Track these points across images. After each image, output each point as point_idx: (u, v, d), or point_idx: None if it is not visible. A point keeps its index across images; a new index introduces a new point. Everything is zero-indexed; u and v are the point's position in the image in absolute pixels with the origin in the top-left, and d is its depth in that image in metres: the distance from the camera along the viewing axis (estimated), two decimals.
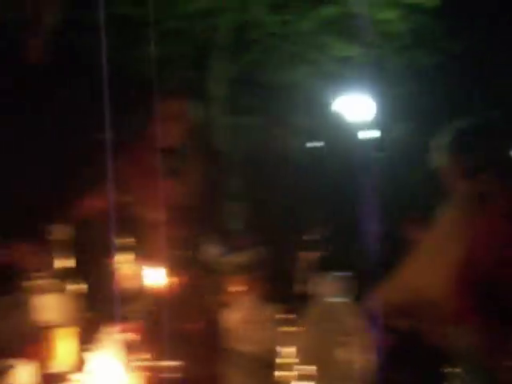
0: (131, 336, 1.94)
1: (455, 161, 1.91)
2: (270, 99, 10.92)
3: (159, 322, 1.10)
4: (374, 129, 10.42)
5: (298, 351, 1.05)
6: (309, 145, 10.65)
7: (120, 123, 3.69)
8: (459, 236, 2.19)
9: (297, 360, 1.09)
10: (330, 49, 10.62)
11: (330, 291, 0.98)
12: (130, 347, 1.82)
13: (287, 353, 1.22)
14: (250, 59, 11.40)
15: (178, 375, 0.98)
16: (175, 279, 1.15)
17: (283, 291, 2.47)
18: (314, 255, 1.85)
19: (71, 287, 1.60)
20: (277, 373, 1.61)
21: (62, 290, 1.59)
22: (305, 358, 1.02)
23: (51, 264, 1.57)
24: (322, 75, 11.17)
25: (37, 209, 2.73)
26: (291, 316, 1.50)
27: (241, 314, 2.23)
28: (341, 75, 11.02)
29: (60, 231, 1.60)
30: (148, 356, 1.15)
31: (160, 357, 1.03)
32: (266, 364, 1.70)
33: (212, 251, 2.02)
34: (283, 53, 11.14)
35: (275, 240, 3.36)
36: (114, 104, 3.78)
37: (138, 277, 2.33)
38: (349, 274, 1.21)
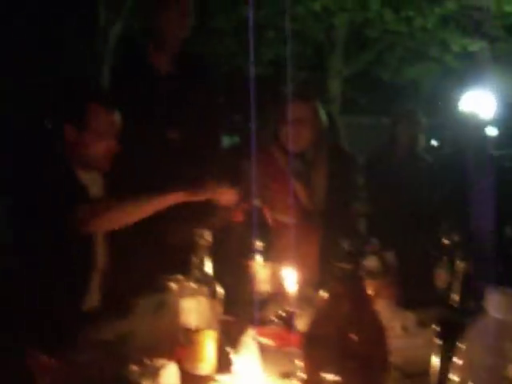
0: (272, 341, 1.94)
1: None
2: (390, 98, 10.78)
3: (313, 331, 1.11)
4: (493, 126, 10.06)
5: (458, 366, 1.02)
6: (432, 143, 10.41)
7: (249, 127, 3.74)
8: None
9: (454, 375, 1.07)
10: (451, 44, 10.30)
11: (503, 307, 0.93)
12: (271, 352, 1.83)
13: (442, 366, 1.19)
14: (368, 58, 11.29)
15: None
16: (325, 286, 1.15)
17: (419, 297, 2.40)
18: (461, 262, 1.79)
19: (214, 290, 1.64)
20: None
21: (204, 293, 1.63)
22: (469, 375, 0.99)
23: (197, 267, 1.62)
24: (444, 71, 10.88)
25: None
26: (435, 326, 1.46)
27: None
28: (463, 71, 10.69)
29: (202, 235, 1.65)
30: (300, 364, 1.15)
31: (312, 366, 1.04)
32: (405, 374, 1.66)
33: (345, 256, 1.99)
34: (403, 50, 10.95)
35: (406, 243, 3.29)
36: (241, 107, 3.85)
37: (273, 280, 2.34)
38: None
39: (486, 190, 3.90)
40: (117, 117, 2.54)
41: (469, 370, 0.95)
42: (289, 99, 3.07)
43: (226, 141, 3.98)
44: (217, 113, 3.34)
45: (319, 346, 1.03)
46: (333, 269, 1.10)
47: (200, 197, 2.41)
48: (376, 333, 1.03)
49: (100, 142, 2.46)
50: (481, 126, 4.23)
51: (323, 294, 1.09)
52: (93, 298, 2.40)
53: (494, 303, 0.97)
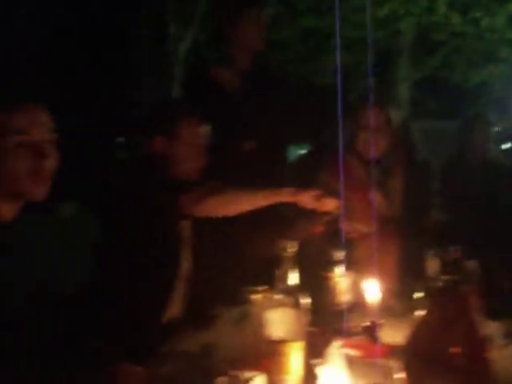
0: (358, 352, 1.92)
1: None
2: (459, 101, 10.58)
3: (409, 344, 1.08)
4: None
5: None
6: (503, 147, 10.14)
7: (321, 137, 3.73)
8: None
9: None
10: None
11: None
12: (358, 364, 1.80)
13: None
14: (435, 62, 11.11)
15: None
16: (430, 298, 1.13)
17: (506, 307, 2.32)
18: None
19: (297, 301, 1.64)
20: None
21: (289, 305, 1.62)
22: None
23: (281, 279, 1.62)
24: None
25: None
26: None
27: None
28: None
29: (286, 247, 1.65)
30: (397, 377, 1.13)
31: (414, 379, 1.01)
32: None
33: (434, 265, 1.96)
34: (471, 52, 10.73)
35: (490, 251, 3.20)
36: (312, 118, 3.84)
37: (354, 291, 2.31)
38: None
39: None
40: (206, 129, 2.57)
41: None
42: (364, 107, 3.06)
43: (293, 151, 3.98)
44: (287, 124, 3.34)
45: (421, 359, 1.01)
46: (433, 280, 1.07)
47: (304, 199, 2.37)
48: (477, 345, 1.00)
49: (189, 153, 2.49)
50: None
51: (423, 306, 1.06)
52: (176, 308, 2.41)
53: None
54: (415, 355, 1.03)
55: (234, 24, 3.17)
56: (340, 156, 2.83)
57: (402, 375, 1.03)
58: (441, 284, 1.00)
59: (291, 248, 1.69)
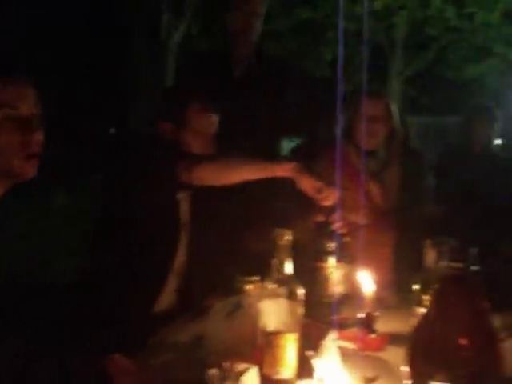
0: (352, 344, 1.88)
1: None
2: (453, 97, 10.57)
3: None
4: None
5: None
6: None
7: (316, 128, 3.69)
8: None
9: None
10: None
11: None
12: (353, 356, 1.77)
13: None
14: (429, 56, 11.09)
15: None
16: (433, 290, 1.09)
17: (505, 300, 2.30)
18: None
19: (292, 292, 1.59)
20: None
21: (283, 295, 1.58)
22: None
23: (276, 268, 1.58)
24: (509, 67, 10.61)
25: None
26: None
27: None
28: None
29: (282, 235, 1.61)
30: (404, 371, 1.09)
31: (419, 373, 0.97)
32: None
33: (432, 255, 1.92)
34: (466, 47, 10.71)
35: (487, 243, 3.17)
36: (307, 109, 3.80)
37: (347, 282, 2.28)
38: None
39: None
40: (216, 118, 2.53)
41: None
42: (363, 96, 3.02)
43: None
44: (284, 118, 3.31)
45: (427, 352, 0.97)
46: (439, 269, 1.04)
47: (306, 183, 2.31)
48: (487, 337, 0.96)
49: (197, 141, 2.45)
50: None
51: (429, 295, 1.02)
52: (168, 300, 2.38)
53: None
54: (419, 347, 0.98)
55: (225, 13, 3.16)
56: (337, 146, 2.80)
57: (403, 368, 0.99)
58: (448, 272, 0.96)
59: (287, 236, 1.64)
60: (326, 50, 10.36)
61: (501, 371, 0.96)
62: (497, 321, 2.05)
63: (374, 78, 11.57)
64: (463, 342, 0.93)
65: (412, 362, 0.99)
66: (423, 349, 0.98)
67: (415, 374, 0.99)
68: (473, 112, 4.24)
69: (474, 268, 2.47)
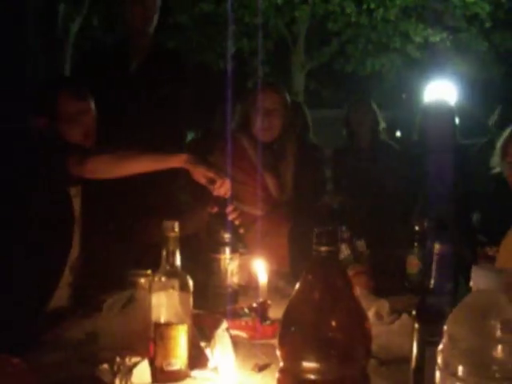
0: (245, 333, 1.91)
1: None
2: (354, 90, 10.84)
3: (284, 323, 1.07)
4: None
5: (439, 350, 0.99)
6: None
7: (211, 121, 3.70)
8: None
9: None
10: (413, 36, 10.41)
11: (486, 284, 0.90)
12: (245, 345, 1.79)
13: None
14: (330, 51, 11.33)
15: (315, 377, 0.95)
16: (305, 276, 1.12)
17: (391, 285, 2.39)
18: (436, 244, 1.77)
19: (184, 283, 1.60)
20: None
21: (175, 287, 1.58)
22: (451, 358, 0.95)
23: (166, 260, 1.58)
24: (406, 62, 11.00)
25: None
26: (412, 312, 1.45)
27: None
28: (425, 62, 10.82)
29: (175, 225, 1.61)
30: (277, 354, 1.11)
31: (290, 355, 1.00)
32: (381, 362, 1.63)
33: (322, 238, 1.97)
34: (365, 42, 11.01)
35: (377, 231, 3.29)
36: (206, 101, 3.80)
37: (243, 273, 2.31)
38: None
39: (451, 178, 3.90)
40: (88, 105, 2.49)
41: (451, 353, 0.93)
42: (260, 89, 3.05)
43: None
44: (185, 109, 3.31)
45: (296, 334, 1.00)
46: (309, 253, 1.07)
47: (198, 172, 2.31)
48: (356, 318, 1.00)
49: (74, 132, 2.41)
50: (450, 114, 4.20)
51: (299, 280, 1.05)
52: (62, 296, 2.33)
53: (479, 280, 0.95)
54: (290, 329, 1.01)
55: (121, 4, 3.16)
56: (230, 138, 2.82)
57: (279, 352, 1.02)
58: (314, 255, 1.00)
59: (175, 228, 1.64)
60: (229, 42, 10.40)
61: (369, 351, 1.01)
62: (384, 304, 2.14)
63: (277, 72, 11.73)
64: (331, 322, 0.96)
65: (283, 343, 1.02)
66: (293, 330, 1.01)
67: (286, 356, 1.02)
68: (350, 106, 4.33)
69: (363, 253, 2.57)
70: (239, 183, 2.83)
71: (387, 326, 2.00)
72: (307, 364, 0.97)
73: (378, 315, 2.10)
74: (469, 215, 4.25)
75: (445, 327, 0.96)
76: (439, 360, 0.95)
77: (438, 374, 0.98)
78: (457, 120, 4.29)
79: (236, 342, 1.71)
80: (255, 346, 1.80)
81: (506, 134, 2.72)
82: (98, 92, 2.58)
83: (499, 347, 0.88)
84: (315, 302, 0.98)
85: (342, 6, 10.08)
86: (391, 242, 3.04)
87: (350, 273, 2.39)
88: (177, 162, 2.32)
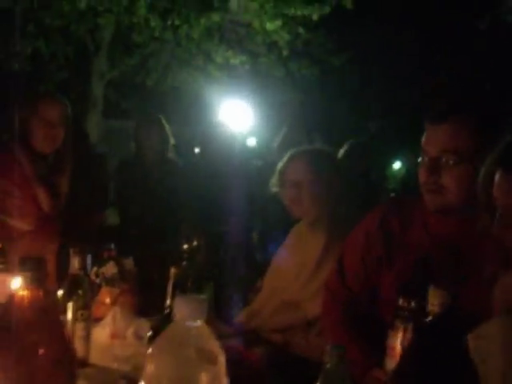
0: None
1: None
2: (155, 103, 10.86)
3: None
4: (252, 136, 10.66)
5: (152, 375, 1.01)
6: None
7: None
8: None
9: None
10: (215, 56, 10.69)
11: (186, 314, 0.93)
12: None
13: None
14: (133, 62, 11.24)
15: None
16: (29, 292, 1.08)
17: (153, 305, 2.41)
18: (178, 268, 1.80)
19: None
20: None
21: None
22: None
23: None
24: (207, 81, 11.23)
25: None
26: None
27: (109, 329, 2.15)
28: (225, 82, 11.14)
29: None
30: None
31: None
32: (133, 382, 1.64)
33: (77, 263, 1.94)
34: (168, 57, 11.09)
35: (145, 250, 3.31)
36: None
37: (4, 290, 2.21)
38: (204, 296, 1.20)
39: (239, 197, 4.04)
40: None
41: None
42: (41, 100, 2.93)
43: None
44: None
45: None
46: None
47: None
48: (63, 345, 1.01)
49: None
50: (233, 135, 4.32)
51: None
52: None
53: (180, 310, 1.00)
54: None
55: None
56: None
57: None
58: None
59: None
60: (26, 42, 9.90)
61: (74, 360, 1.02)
62: (144, 324, 2.14)
63: (76, 79, 11.40)
64: (42, 351, 0.96)
65: None
66: None
67: None
68: (139, 121, 4.29)
69: (130, 271, 2.56)
70: (6, 194, 2.70)
71: (145, 347, 2.00)
72: None
73: (137, 335, 2.11)
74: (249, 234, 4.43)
75: (148, 355, 0.99)
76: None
77: None
78: (253, 141, 4.44)
79: None
80: None
81: (285, 158, 2.78)
82: None
83: (201, 375, 0.92)
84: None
85: (147, 19, 10.05)
86: (160, 259, 3.05)
87: (116, 291, 2.38)
88: None
